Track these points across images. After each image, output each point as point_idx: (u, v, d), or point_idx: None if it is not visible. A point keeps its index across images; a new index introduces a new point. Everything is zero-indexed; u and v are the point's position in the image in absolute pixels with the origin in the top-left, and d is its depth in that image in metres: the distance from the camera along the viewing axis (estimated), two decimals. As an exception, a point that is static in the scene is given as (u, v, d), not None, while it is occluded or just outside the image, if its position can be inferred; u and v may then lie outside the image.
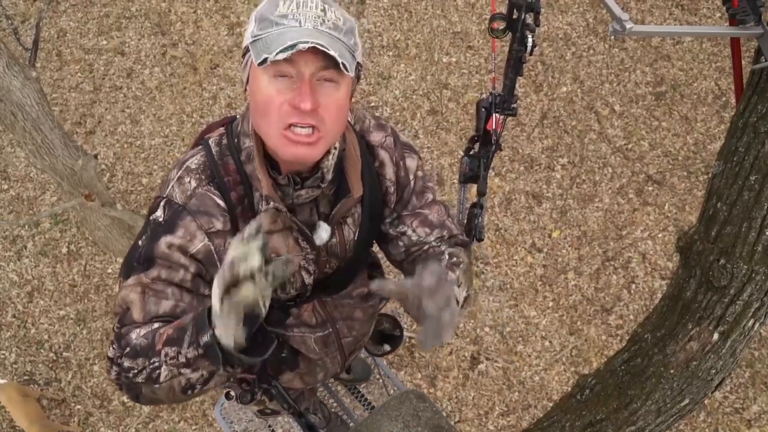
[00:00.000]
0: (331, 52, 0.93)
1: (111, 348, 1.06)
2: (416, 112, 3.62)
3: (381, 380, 2.76)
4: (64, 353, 3.10)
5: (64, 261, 3.30)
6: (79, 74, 3.83)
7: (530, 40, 1.45)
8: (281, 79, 0.98)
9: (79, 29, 3.98)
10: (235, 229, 1.14)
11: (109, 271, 3.27)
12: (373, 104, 3.65)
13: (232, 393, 1.58)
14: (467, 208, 1.67)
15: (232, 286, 0.84)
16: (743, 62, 1.56)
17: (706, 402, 2.80)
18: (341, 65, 0.95)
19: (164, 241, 1.09)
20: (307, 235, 1.18)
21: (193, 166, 1.14)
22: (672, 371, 1.54)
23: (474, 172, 1.63)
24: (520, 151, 3.48)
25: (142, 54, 3.88)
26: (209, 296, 1.09)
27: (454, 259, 1.26)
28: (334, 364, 1.54)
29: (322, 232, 1.19)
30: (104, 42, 3.93)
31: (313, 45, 0.93)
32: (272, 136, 1.03)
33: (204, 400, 2.92)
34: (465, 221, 1.63)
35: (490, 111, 1.58)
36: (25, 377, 3.04)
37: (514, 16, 1.46)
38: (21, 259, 3.32)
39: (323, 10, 0.98)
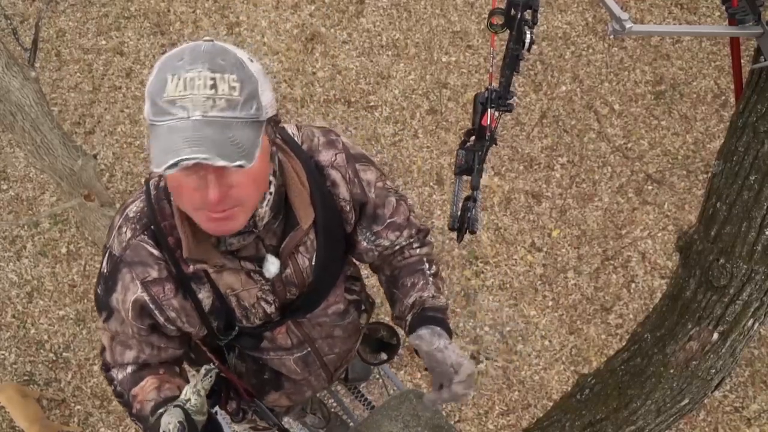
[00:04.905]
0: (220, 163, 0.86)
1: (102, 370, 1.30)
2: (415, 111, 3.62)
3: (381, 380, 2.76)
4: (64, 353, 3.09)
5: (64, 261, 3.30)
6: (78, 74, 3.83)
7: (528, 36, 1.45)
8: (185, 172, 0.92)
9: (78, 29, 3.97)
10: (179, 272, 1.14)
11: (109, 271, 3.27)
12: (372, 104, 3.65)
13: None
14: (462, 201, 1.68)
15: None
16: (743, 61, 1.56)
17: (706, 401, 2.80)
18: (236, 165, 0.88)
19: (114, 297, 1.18)
20: (256, 270, 1.17)
21: (131, 215, 1.15)
22: (672, 371, 1.54)
23: (469, 164, 1.64)
24: (520, 150, 3.48)
25: (141, 54, 3.87)
26: (164, 347, 1.25)
27: (434, 268, 1.37)
28: (319, 381, 1.52)
29: (270, 266, 1.16)
30: (103, 42, 3.92)
31: (196, 161, 0.86)
32: (190, 214, 1.01)
33: (204, 400, 2.91)
34: (459, 213, 1.64)
35: (486, 106, 1.58)
36: (25, 377, 3.04)
37: (512, 14, 1.46)
38: (20, 260, 3.32)
39: (213, 86, 0.88)
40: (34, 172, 3.53)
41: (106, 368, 1.30)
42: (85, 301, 3.20)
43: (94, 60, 3.86)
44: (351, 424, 2.59)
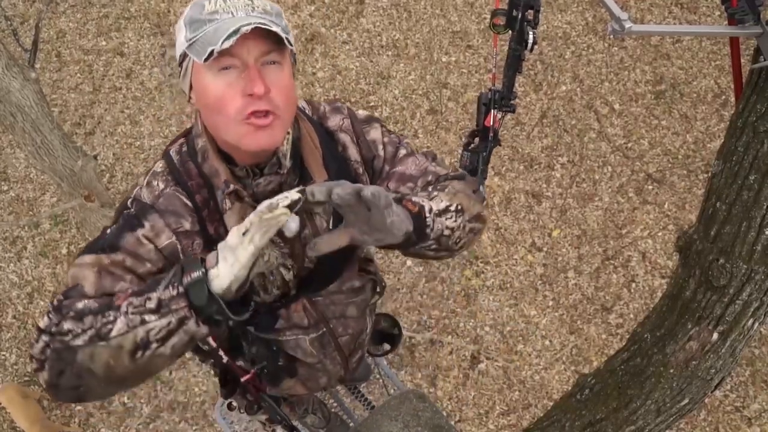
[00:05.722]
0: (274, 28, 0.96)
1: (44, 318, 0.99)
2: (416, 111, 3.62)
3: (381, 380, 2.76)
4: (65, 354, 3.10)
5: (64, 262, 3.30)
6: (78, 75, 3.83)
7: (531, 36, 1.45)
8: (227, 72, 1.00)
9: (78, 30, 3.97)
10: (204, 232, 1.14)
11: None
12: (372, 104, 3.65)
13: (235, 404, 1.57)
14: None
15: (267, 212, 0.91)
16: (742, 61, 1.56)
17: (706, 401, 2.80)
18: (285, 40, 0.98)
19: (135, 234, 1.08)
20: None
21: (159, 170, 1.16)
22: (672, 371, 1.54)
23: (473, 166, 1.65)
24: (520, 150, 3.48)
25: (141, 54, 3.88)
26: None
27: (439, 186, 1.19)
28: (335, 366, 1.52)
29: (291, 223, 1.16)
30: (103, 43, 3.92)
31: (255, 26, 0.95)
32: (231, 130, 1.03)
33: (204, 401, 2.92)
34: None
35: (489, 107, 1.59)
36: (26, 378, 3.04)
37: (514, 14, 1.46)
38: (21, 260, 3.32)
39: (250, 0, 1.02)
40: (34, 172, 3.54)
41: (60, 306, 0.99)
42: (86, 301, 3.21)
43: (95, 61, 3.86)
44: (351, 424, 2.59)
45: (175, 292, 0.91)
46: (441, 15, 3.90)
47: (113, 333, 0.92)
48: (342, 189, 0.91)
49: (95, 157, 2.43)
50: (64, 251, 3.33)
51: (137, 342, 0.92)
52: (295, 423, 2.40)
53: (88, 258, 1.06)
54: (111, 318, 0.93)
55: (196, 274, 0.91)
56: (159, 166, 1.17)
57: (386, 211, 0.95)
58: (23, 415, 2.66)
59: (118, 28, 3.96)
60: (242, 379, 1.42)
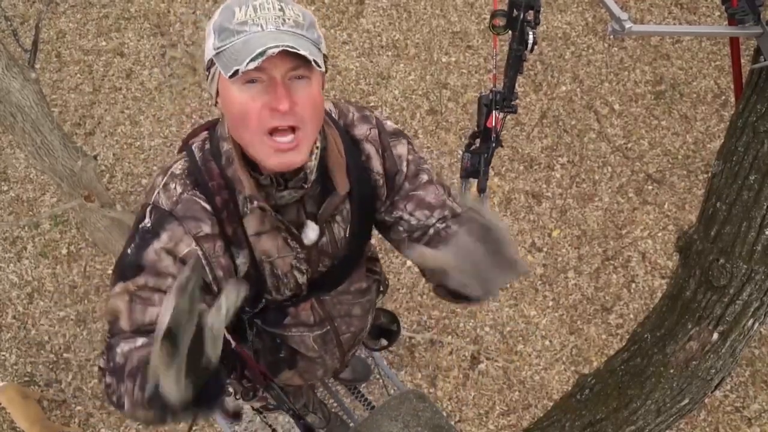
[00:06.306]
0: (302, 52, 0.93)
1: (101, 358, 1.06)
2: (416, 111, 3.62)
3: (381, 380, 2.76)
4: (65, 354, 3.10)
5: (64, 262, 3.30)
6: (78, 75, 3.83)
7: (531, 37, 1.46)
8: (252, 85, 0.98)
9: (78, 30, 3.97)
10: (222, 234, 1.13)
11: (110, 272, 3.27)
12: (372, 104, 3.65)
13: (231, 389, 1.58)
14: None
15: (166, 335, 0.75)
16: (742, 61, 1.56)
17: (706, 401, 2.80)
18: (313, 62, 0.95)
19: (152, 249, 1.09)
20: (295, 234, 1.17)
21: (178, 171, 1.14)
22: (672, 371, 1.54)
23: (475, 167, 1.65)
24: (520, 150, 3.48)
25: (141, 55, 3.88)
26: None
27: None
28: (333, 361, 1.54)
29: (310, 232, 1.17)
30: (103, 43, 3.92)
31: (282, 48, 0.92)
32: (255, 145, 1.02)
33: (204, 401, 2.92)
34: None
35: (491, 108, 1.59)
36: (26, 378, 3.04)
37: (514, 15, 1.47)
38: (21, 261, 3.32)
39: (281, 10, 0.98)
40: (34, 173, 3.54)
41: (109, 347, 1.05)
42: (86, 302, 3.20)
43: (95, 61, 3.86)
44: (351, 424, 2.59)
45: (144, 399, 0.89)
46: (441, 15, 3.90)
47: (126, 408, 0.97)
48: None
49: (95, 158, 2.43)
50: (64, 251, 3.33)
51: (149, 420, 0.93)
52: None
53: (118, 287, 1.09)
54: (122, 392, 0.97)
55: (148, 390, 0.86)
56: (178, 167, 1.15)
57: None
58: (23, 416, 2.66)
59: (118, 29, 3.96)
60: (250, 367, 1.44)
